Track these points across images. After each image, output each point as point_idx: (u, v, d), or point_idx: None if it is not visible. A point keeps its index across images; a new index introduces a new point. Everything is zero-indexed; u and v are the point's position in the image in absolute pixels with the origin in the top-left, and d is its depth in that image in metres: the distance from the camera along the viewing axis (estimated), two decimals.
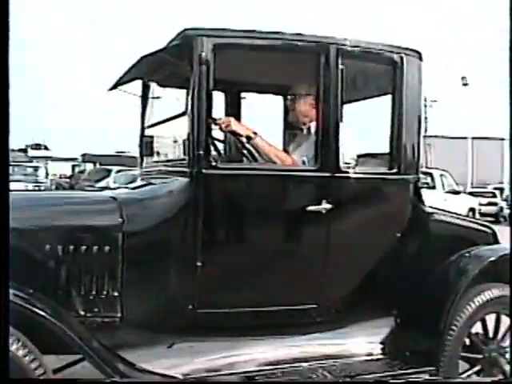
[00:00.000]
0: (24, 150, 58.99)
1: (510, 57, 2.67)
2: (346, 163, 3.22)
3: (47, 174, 27.28)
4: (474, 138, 31.72)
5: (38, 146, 60.95)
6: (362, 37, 3.26)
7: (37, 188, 20.28)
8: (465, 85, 32.58)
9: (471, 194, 23.28)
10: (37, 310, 2.60)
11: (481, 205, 20.74)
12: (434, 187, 16.21)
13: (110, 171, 21.07)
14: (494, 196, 26.53)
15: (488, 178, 33.30)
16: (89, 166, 37.58)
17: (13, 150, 58.01)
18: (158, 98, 4.10)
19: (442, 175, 17.80)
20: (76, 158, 47.44)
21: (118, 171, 19.80)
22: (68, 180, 37.55)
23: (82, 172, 34.79)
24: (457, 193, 18.04)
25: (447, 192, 17.24)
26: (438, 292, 3.43)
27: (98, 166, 33.69)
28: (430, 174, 16.52)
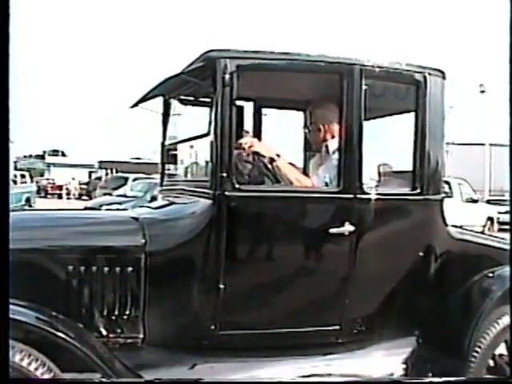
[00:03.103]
0: (42, 156, 59.70)
1: (510, 58, 2.61)
2: (368, 184, 3.20)
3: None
4: (492, 145, 31.30)
5: (55, 152, 61.57)
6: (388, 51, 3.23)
7: None
8: (482, 92, 32.29)
9: (489, 202, 23.05)
10: (59, 333, 2.62)
11: (499, 213, 20.46)
12: (451, 196, 16.09)
13: (126, 179, 21.22)
14: None
15: (506, 186, 32.81)
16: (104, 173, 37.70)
17: (30, 156, 58.80)
18: (179, 114, 4.12)
19: (460, 184, 17.69)
20: (93, 165, 47.79)
21: (135, 179, 19.94)
22: (85, 186, 37.94)
23: (98, 179, 35.04)
24: (475, 201, 17.92)
25: (465, 201, 17.13)
26: (461, 313, 3.39)
27: (114, 172, 33.66)
28: (448, 183, 16.38)
